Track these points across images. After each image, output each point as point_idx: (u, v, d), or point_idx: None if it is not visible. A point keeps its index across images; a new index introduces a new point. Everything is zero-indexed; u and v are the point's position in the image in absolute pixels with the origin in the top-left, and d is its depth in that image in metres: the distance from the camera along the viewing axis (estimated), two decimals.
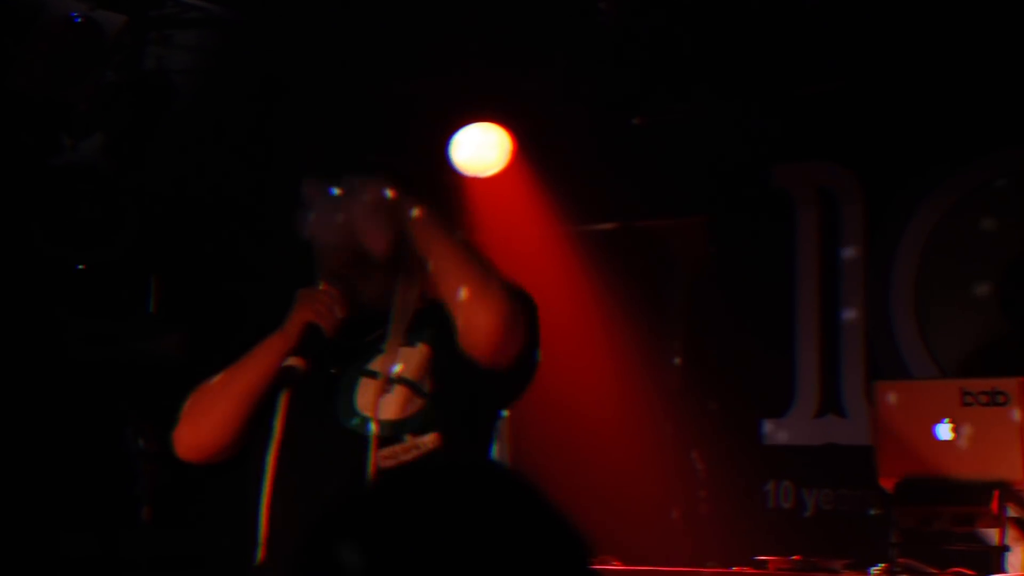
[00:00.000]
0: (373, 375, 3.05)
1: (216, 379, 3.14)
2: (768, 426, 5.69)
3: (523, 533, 1.25)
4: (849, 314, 5.61)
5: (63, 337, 5.13)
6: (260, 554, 3.04)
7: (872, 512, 5.08)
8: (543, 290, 5.87)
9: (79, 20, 5.04)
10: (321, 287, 3.08)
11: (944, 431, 4.62)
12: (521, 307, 3.05)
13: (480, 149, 5.83)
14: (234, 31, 5.47)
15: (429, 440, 3.02)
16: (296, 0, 5.39)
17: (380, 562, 1.22)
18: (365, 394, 3.04)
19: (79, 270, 5.15)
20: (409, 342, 3.07)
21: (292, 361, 3.01)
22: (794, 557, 4.71)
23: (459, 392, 3.03)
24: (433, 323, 3.06)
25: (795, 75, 5.58)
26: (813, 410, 5.62)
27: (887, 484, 4.68)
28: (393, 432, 3.01)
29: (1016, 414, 4.51)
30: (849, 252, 5.64)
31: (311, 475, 3.02)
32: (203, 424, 3.12)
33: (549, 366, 3.67)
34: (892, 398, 4.76)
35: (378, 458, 2.99)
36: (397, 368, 3.05)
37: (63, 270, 5.19)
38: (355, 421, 3.03)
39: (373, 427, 3.00)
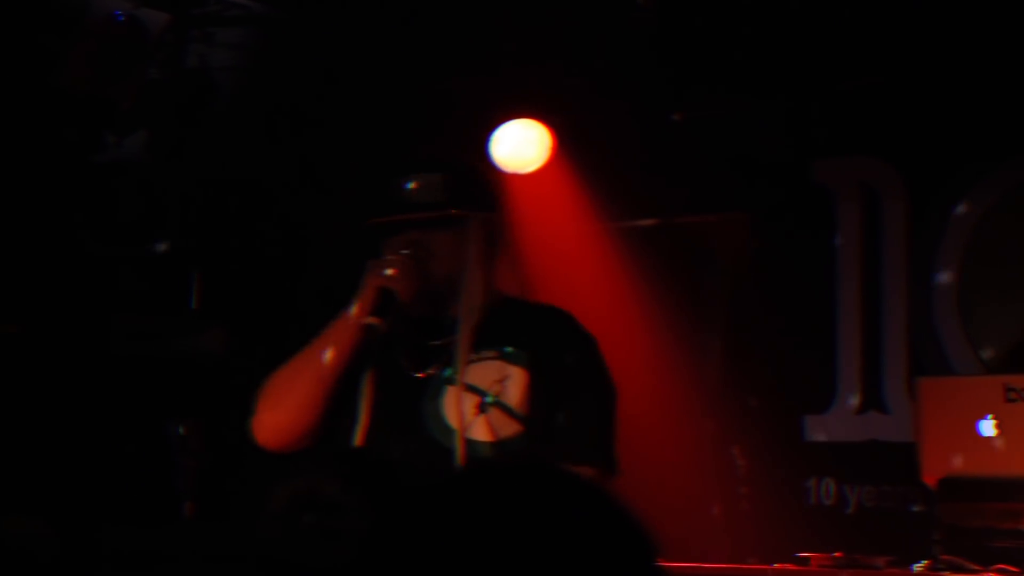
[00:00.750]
0: (465, 387, 3.02)
1: (292, 360, 3.10)
2: (809, 422, 5.67)
3: (590, 533, 1.25)
4: (891, 310, 5.58)
5: (106, 333, 5.16)
6: None
7: (915, 509, 5.06)
8: (583, 286, 5.91)
9: (123, 18, 5.07)
10: (387, 256, 3.05)
11: (988, 427, 4.59)
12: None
13: (520, 145, 5.83)
14: (276, 28, 5.50)
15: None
16: None
17: (452, 558, 1.23)
18: (454, 407, 3.02)
19: (122, 266, 5.19)
20: (499, 355, 3.04)
21: (371, 320, 3.00)
22: (836, 554, 4.69)
23: (555, 424, 3.02)
24: (527, 339, 3.05)
25: (836, 70, 5.56)
26: (855, 407, 5.59)
27: (930, 481, 4.66)
28: (483, 454, 2.99)
29: None
30: (891, 248, 5.61)
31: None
32: (284, 406, 3.07)
33: None
34: (935, 395, 4.74)
35: None
36: (491, 387, 3.02)
37: (106, 266, 5.23)
38: (446, 437, 3.01)
39: (459, 445, 2.98)
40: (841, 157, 5.74)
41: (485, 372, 3.03)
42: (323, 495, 1.96)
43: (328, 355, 3.04)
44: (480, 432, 3.01)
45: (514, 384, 3.02)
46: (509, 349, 3.05)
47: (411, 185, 3.09)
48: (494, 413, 3.01)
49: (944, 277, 5.51)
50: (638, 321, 5.82)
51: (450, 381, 3.03)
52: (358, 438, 3.03)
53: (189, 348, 5.08)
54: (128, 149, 5.22)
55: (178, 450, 4.20)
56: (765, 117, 5.72)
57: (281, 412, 3.08)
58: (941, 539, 4.53)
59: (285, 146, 5.74)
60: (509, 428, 3.02)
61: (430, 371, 3.06)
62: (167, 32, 5.25)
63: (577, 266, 5.95)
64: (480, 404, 3.02)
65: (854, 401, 5.60)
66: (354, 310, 3.04)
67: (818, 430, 5.67)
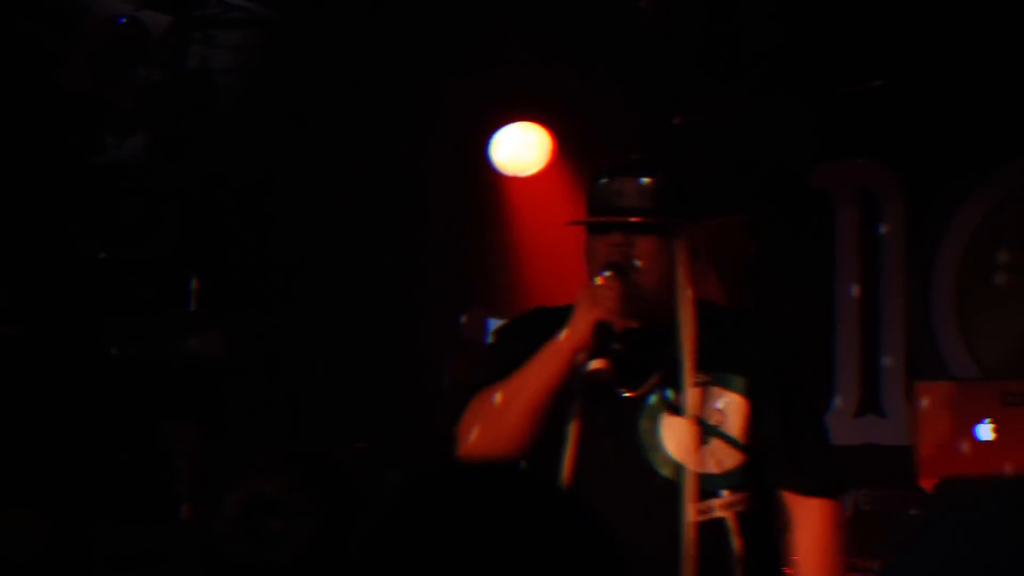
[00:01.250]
0: (680, 413, 2.95)
1: (502, 387, 2.99)
2: None
3: (553, 544, 1.25)
4: (889, 313, 5.58)
5: (103, 335, 5.17)
6: None
7: (912, 512, 5.06)
8: (578, 289, 5.89)
9: (124, 20, 5.08)
10: (599, 281, 2.94)
11: (985, 431, 4.60)
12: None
13: (520, 148, 5.84)
14: (277, 30, 5.51)
15: (746, 497, 2.95)
16: None
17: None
18: (675, 437, 2.95)
19: (121, 268, 5.19)
20: (719, 382, 2.97)
21: (597, 364, 2.90)
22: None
23: (776, 454, 2.96)
24: (743, 362, 2.98)
25: (836, 74, 5.56)
26: (853, 410, 5.60)
27: (927, 484, 4.66)
28: (710, 486, 2.94)
29: None
30: (890, 252, 5.62)
31: (614, 514, 2.84)
32: (491, 434, 2.99)
33: None
34: (932, 398, 4.74)
35: (694, 511, 2.92)
36: (712, 415, 2.96)
37: (105, 268, 5.24)
38: (666, 469, 2.94)
39: (690, 480, 2.92)
40: (840, 161, 5.75)
41: (703, 399, 2.96)
42: (268, 495, 1.97)
43: (540, 386, 2.96)
44: (706, 464, 2.94)
45: (734, 413, 2.97)
46: (724, 374, 2.98)
47: (619, 187, 3.01)
48: (716, 444, 2.96)
49: (942, 281, 5.52)
50: None
51: (671, 407, 2.97)
52: (567, 461, 2.97)
53: (187, 350, 5.09)
54: (128, 151, 5.23)
55: (175, 451, 4.21)
56: (765, 121, 5.73)
57: (488, 439, 3.00)
58: None
59: (286, 148, 5.75)
60: (732, 459, 2.96)
61: (641, 390, 2.98)
62: (168, 34, 5.26)
63: (574, 269, 5.95)
64: (701, 434, 2.96)
65: (852, 404, 5.60)
66: (567, 341, 2.94)
67: None
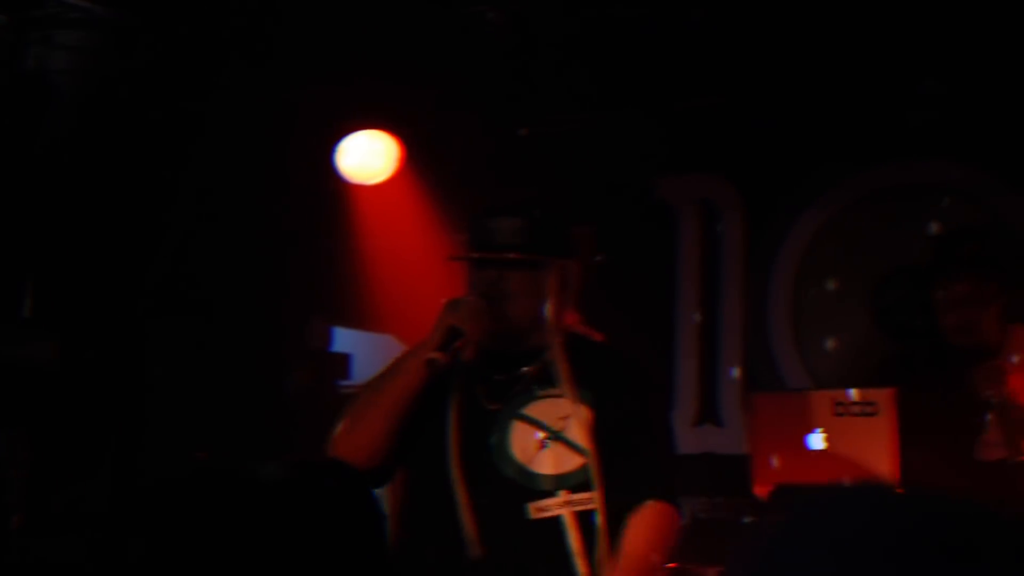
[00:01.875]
0: (530, 422, 3.26)
1: (367, 386, 3.39)
2: None
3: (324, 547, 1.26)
4: (728, 325, 5.68)
5: None
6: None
7: (746, 520, 5.14)
8: (429, 298, 5.90)
9: None
10: (466, 297, 3.29)
11: (817, 441, 4.69)
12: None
13: (367, 156, 5.82)
14: (118, 32, 5.42)
15: (587, 497, 3.21)
16: (183, 3, 5.34)
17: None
18: (520, 441, 3.26)
19: None
20: (568, 395, 3.26)
21: (433, 354, 3.22)
22: (669, 565, 4.75)
23: (617, 460, 3.21)
24: (592, 379, 3.27)
25: (679, 89, 5.65)
26: (692, 419, 5.68)
27: (761, 492, 4.74)
28: (548, 486, 3.22)
29: (887, 424, 4.59)
30: (729, 264, 5.71)
31: (464, 509, 3.22)
32: (357, 430, 3.32)
33: None
34: (767, 409, 4.83)
35: (533, 509, 3.21)
36: (555, 423, 3.24)
37: None
38: (510, 469, 3.24)
39: (528, 480, 3.23)
40: (683, 174, 5.83)
41: (550, 408, 3.26)
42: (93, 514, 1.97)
43: (397, 382, 3.29)
44: (543, 465, 3.23)
45: (578, 421, 3.24)
46: (575, 388, 3.27)
47: (494, 225, 3.32)
48: (557, 448, 3.23)
49: (778, 294, 5.64)
50: None
51: (522, 416, 3.27)
52: (453, 461, 3.25)
53: (18, 357, 4.98)
54: None
55: (5, 461, 4.12)
56: (610, 134, 5.79)
57: (355, 435, 3.32)
58: None
59: (126, 151, 5.66)
60: (571, 462, 3.23)
61: (502, 404, 3.29)
62: (5, 34, 5.14)
63: (420, 277, 5.96)
64: (544, 439, 3.25)
65: (691, 414, 5.68)
66: (420, 344, 3.28)
67: None
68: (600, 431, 3.22)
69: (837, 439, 4.68)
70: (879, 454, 4.59)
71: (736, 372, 5.67)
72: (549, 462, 3.24)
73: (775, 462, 4.73)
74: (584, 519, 3.21)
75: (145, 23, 5.39)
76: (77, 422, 5.12)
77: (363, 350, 6.22)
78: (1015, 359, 4.38)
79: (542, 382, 3.30)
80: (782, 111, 5.55)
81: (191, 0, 5.23)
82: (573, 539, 3.18)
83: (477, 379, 3.34)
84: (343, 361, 6.17)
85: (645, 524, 3.20)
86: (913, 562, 1.02)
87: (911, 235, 5.42)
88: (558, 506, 3.21)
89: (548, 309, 3.31)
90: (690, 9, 5.30)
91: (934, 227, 5.35)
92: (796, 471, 4.69)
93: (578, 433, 3.23)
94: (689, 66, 5.51)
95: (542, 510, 3.21)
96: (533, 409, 3.28)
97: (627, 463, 3.22)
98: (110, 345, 5.42)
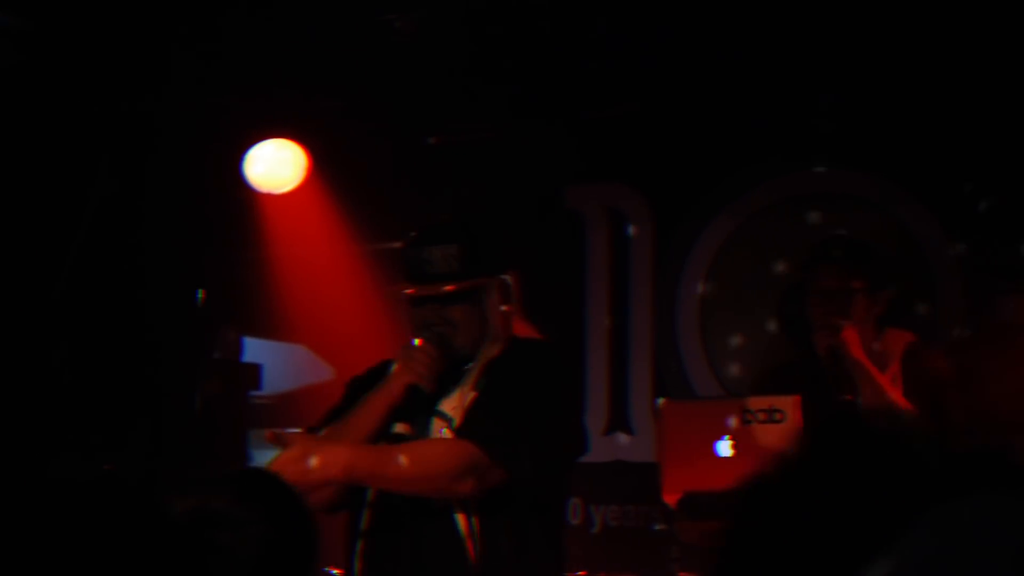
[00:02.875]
0: (440, 416, 3.37)
1: (331, 430, 3.37)
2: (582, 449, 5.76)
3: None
4: (637, 333, 5.72)
5: None
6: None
7: (656, 527, 5.19)
8: (336, 307, 5.89)
9: None
10: (417, 343, 3.34)
11: (724, 448, 4.74)
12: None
13: (275, 165, 5.79)
14: (28, 43, 5.34)
15: None
16: (92, 12, 5.28)
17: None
18: (433, 433, 3.37)
19: None
20: (472, 388, 3.38)
21: (400, 428, 3.32)
22: (581, 573, 4.78)
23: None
24: (496, 369, 3.37)
25: (587, 98, 5.69)
26: (602, 427, 5.72)
27: (670, 500, 4.78)
28: None
29: (792, 430, 4.65)
30: (637, 273, 5.76)
31: (381, 516, 3.35)
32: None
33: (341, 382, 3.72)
34: (676, 416, 4.87)
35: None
36: (454, 411, 3.35)
37: None
38: None
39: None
40: (592, 183, 5.87)
41: (458, 402, 3.35)
42: (213, 510, 1.96)
43: (356, 436, 3.31)
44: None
45: (465, 403, 3.35)
46: (479, 381, 3.37)
47: (428, 255, 3.36)
48: (437, 423, 3.35)
49: (687, 302, 5.69)
50: (390, 343, 5.83)
51: (435, 412, 3.37)
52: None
53: None
54: None
55: None
56: (519, 143, 5.81)
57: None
58: (678, 557, 4.67)
59: (35, 157, 5.58)
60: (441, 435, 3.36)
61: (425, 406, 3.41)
62: None
63: (331, 287, 5.94)
64: (440, 424, 3.36)
65: (601, 422, 5.72)
66: (381, 398, 3.33)
67: None
68: (467, 413, 3.33)
69: (745, 446, 4.73)
70: None
71: (636, 380, 5.72)
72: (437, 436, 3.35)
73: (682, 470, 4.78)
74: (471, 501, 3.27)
75: (53, 27, 5.32)
76: None
77: (274, 360, 6.19)
78: (890, 364, 4.47)
79: (464, 381, 3.39)
80: (690, 120, 5.61)
81: (102, 6, 5.17)
82: (460, 521, 3.25)
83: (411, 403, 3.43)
84: (254, 371, 6.13)
85: (445, 442, 3.32)
86: None
87: (816, 244, 5.49)
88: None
89: (492, 327, 3.38)
90: (597, 18, 5.34)
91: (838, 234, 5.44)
92: (705, 478, 4.74)
93: (457, 412, 3.34)
94: (597, 75, 5.55)
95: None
96: (446, 403, 3.35)
97: (472, 421, 3.32)
98: (17, 351, 5.35)
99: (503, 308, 3.41)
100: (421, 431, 3.36)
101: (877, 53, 5.17)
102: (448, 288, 3.35)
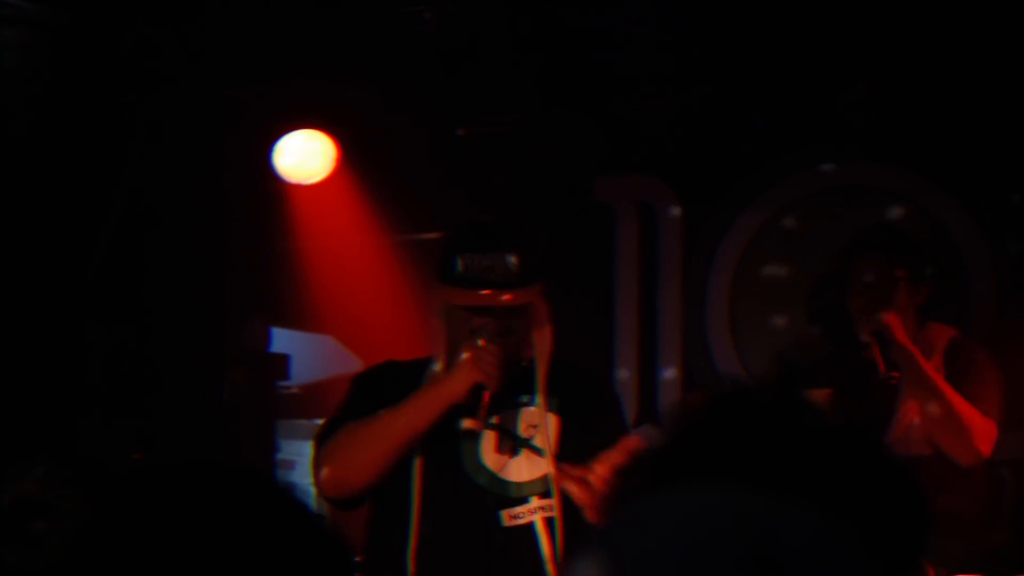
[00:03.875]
0: (501, 431, 3.29)
1: (369, 424, 3.28)
2: None
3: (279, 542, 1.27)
4: (666, 326, 5.71)
5: None
6: None
7: None
8: (367, 299, 5.89)
9: None
10: (481, 344, 3.27)
11: None
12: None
13: (304, 156, 5.79)
14: (51, 30, 5.35)
15: (554, 503, 3.22)
16: (122, 2, 5.30)
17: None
18: (490, 450, 3.28)
19: None
20: (532, 402, 3.32)
21: (470, 424, 3.23)
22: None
23: (583, 460, 3.20)
24: (561, 390, 3.32)
25: (617, 89, 5.67)
26: (631, 420, 5.70)
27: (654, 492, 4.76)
28: (519, 493, 3.25)
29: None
30: (667, 266, 5.75)
31: (446, 525, 3.25)
32: (354, 466, 3.27)
33: None
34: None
35: (506, 516, 3.24)
36: (525, 431, 3.28)
37: None
38: (481, 478, 3.25)
39: (500, 487, 3.25)
40: (621, 175, 5.85)
41: (521, 419, 3.30)
42: (30, 496, 1.94)
43: (410, 429, 3.25)
44: (514, 473, 3.27)
45: (546, 429, 3.28)
46: (545, 399, 3.32)
47: (488, 263, 3.33)
48: (526, 455, 3.27)
49: (716, 295, 5.67)
50: (422, 335, 5.83)
51: (492, 426, 3.30)
52: (416, 484, 3.26)
53: None
54: None
55: None
56: (547, 134, 5.80)
57: (352, 471, 3.28)
58: None
59: (63, 150, 5.59)
60: (540, 469, 3.26)
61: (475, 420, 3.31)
62: None
63: (361, 278, 5.94)
64: (513, 447, 3.28)
65: (630, 415, 5.70)
66: (445, 393, 3.25)
67: None
68: (566, 437, 3.26)
69: None
70: None
71: (665, 372, 5.70)
72: (520, 470, 3.26)
73: None
74: (553, 524, 3.23)
75: (79, 20, 5.33)
76: (12, 421, 5.06)
77: (302, 351, 6.20)
78: (932, 356, 4.41)
79: (516, 393, 3.33)
80: (720, 112, 5.58)
81: None
82: (545, 545, 3.19)
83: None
84: (282, 362, 6.14)
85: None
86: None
87: (848, 236, 5.47)
88: (530, 512, 3.22)
89: (543, 333, 3.38)
90: (626, 9, 5.32)
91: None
92: None
93: (545, 439, 3.26)
94: (627, 67, 5.53)
95: (515, 517, 3.22)
96: (505, 419, 3.30)
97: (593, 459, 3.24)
98: (47, 344, 5.37)
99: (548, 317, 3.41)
100: (471, 443, 3.30)
101: (910, 44, 5.14)
102: (508, 297, 3.33)
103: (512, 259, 3.32)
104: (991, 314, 5.18)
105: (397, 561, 3.27)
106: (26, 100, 5.47)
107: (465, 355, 3.27)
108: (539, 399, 3.30)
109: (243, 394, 5.99)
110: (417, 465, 3.27)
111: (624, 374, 5.74)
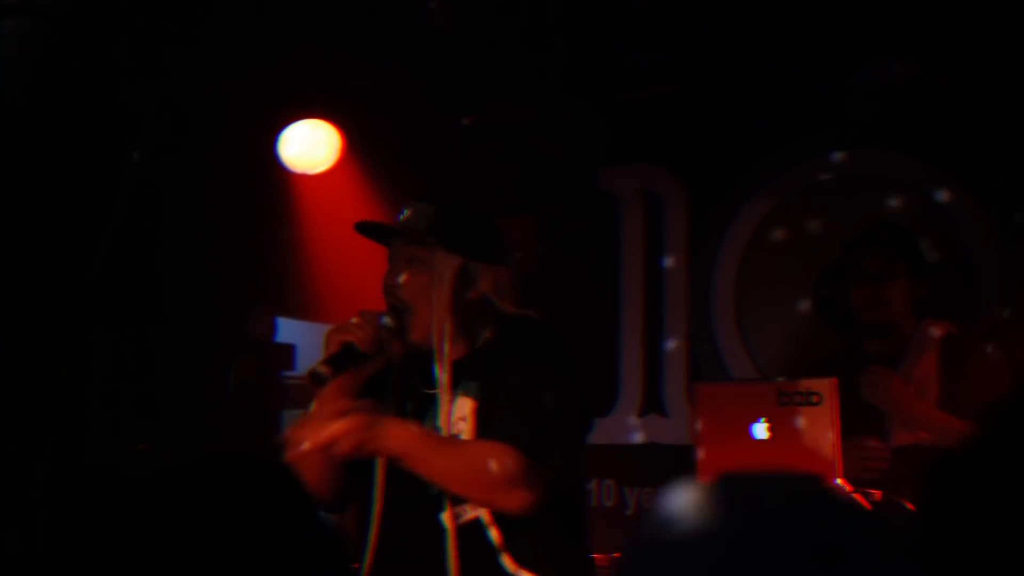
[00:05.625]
0: (435, 428, 3.18)
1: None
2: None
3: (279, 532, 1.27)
4: (672, 316, 5.71)
5: None
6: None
7: None
8: (369, 288, 5.88)
9: None
10: (354, 320, 3.21)
11: (760, 430, 4.72)
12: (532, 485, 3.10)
13: (309, 146, 5.79)
14: (54, 21, 5.35)
15: None
16: None
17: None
18: None
19: None
20: (466, 392, 3.18)
21: (320, 367, 3.10)
22: (616, 555, 4.77)
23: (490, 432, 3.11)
24: (478, 373, 3.17)
25: (622, 79, 5.66)
26: (636, 409, 5.71)
27: (709, 480, 4.77)
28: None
29: (829, 413, 4.63)
30: (672, 254, 5.74)
31: (399, 532, 3.18)
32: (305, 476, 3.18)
33: None
34: (711, 398, 4.86)
35: (454, 515, 3.14)
36: (454, 426, 3.17)
37: None
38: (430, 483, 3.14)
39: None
40: (625, 165, 5.85)
41: (450, 412, 3.18)
42: None
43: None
44: None
45: (469, 418, 3.16)
46: (466, 384, 3.18)
47: (407, 211, 3.31)
48: None
49: (721, 284, 5.67)
50: None
51: (428, 423, 3.18)
52: (378, 486, 3.19)
53: None
54: None
55: None
56: (552, 124, 5.79)
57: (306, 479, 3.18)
58: None
59: (65, 141, 5.59)
60: None
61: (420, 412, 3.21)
62: None
63: (364, 267, 5.94)
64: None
65: (636, 404, 5.71)
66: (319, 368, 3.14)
67: (600, 433, 5.76)
68: (484, 420, 3.15)
69: (780, 428, 4.72)
70: (822, 443, 4.63)
71: (670, 361, 5.70)
72: None
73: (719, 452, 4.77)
74: (500, 514, 3.13)
75: (81, 9, 5.33)
76: (17, 413, 5.06)
77: (307, 340, 6.20)
78: (913, 355, 4.46)
79: (453, 387, 3.21)
80: (725, 101, 5.58)
81: None
82: (494, 535, 3.12)
83: (401, 388, 3.26)
84: (287, 352, 6.14)
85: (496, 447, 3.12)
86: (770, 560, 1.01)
87: (853, 226, 5.47)
88: (474, 507, 3.14)
89: (440, 309, 3.19)
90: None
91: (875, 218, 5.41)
92: (740, 460, 4.72)
93: (468, 430, 3.16)
94: (631, 56, 5.52)
95: (460, 515, 3.14)
96: (441, 413, 3.20)
97: (497, 420, 3.15)
98: (51, 335, 5.37)
99: (460, 290, 3.22)
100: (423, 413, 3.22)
101: (915, 33, 5.13)
102: (400, 233, 3.28)
103: (423, 207, 3.28)
104: (996, 304, 5.18)
105: (363, 561, 3.21)
106: (28, 90, 5.47)
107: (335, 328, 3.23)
108: (442, 380, 3.18)
109: (249, 384, 5.99)
110: (380, 464, 3.19)
111: (629, 362, 5.73)
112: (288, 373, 6.14)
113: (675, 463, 5.26)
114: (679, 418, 5.53)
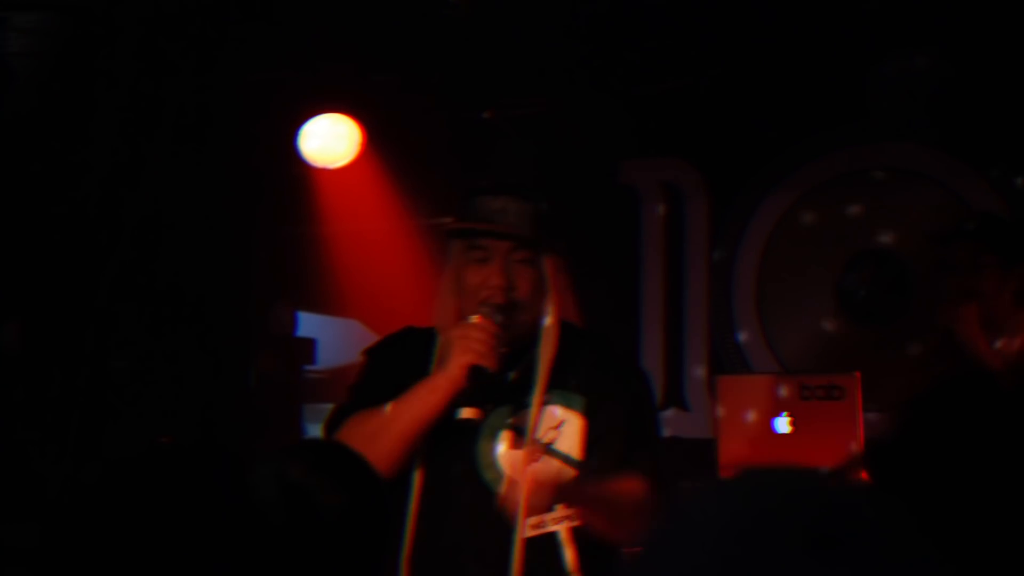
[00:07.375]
0: (519, 433, 2.99)
1: (375, 416, 2.98)
2: None
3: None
4: (692, 309, 5.69)
5: None
6: None
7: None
8: (391, 282, 5.88)
9: None
10: (475, 320, 2.95)
11: (783, 424, 4.71)
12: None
13: (329, 140, 5.79)
14: (73, 14, 5.36)
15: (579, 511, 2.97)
16: None
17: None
18: (510, 455, 2.99)
19: None
20: (558, 401, 3.02)
21: (468, 413, 2.92)
22: (637, 548, 4.75)
23: (611, 466, 2.97)
24: (583, 384, 3.01)
25: (643, 72, 5.65)
26: (658, 403, 5.68)
27: (728, 476, 4.75)
28: (543, 501, 2.97)
29: (851, 407, 4.61)
30: (693, 249, 5.72)
31: (453, 524, 2.99)
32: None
33: None
34: (733, 392, 4.84)
35: (527, 527, 2.96)
36: (546, 433, 3.00)
37: None
38: (497, 480, 2.97)
39: (521, 494, 2.95)
40: (647, 158, 5.83)
41: (540, 418, 3.00)
42: (292, 477, 1.92)
43: (413, 422, 2.96)
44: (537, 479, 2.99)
45: (570, 431, 3.01)
46: (564, 393, 3.02)
47: (499, 205, 3.02)
48: (549, 460, 3.00)
49: (743, 278, 5.65)
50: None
51: (509, 426, 3.00)
52: (416, 484, 3.00)
53: None
54: None
55: None
56: (573, 117, 5.78)
57: None
58: None
59: (87, 134, 5.60)
60: (565, 475, 2.99)
61: (484, 412, 2.99)
62: None
63: (386, 262, 5.94)
64: (536, 452, 2.99)
65: (656, 398, 5.69)
66: (443, 383, 2.94)
67: None
68: (593, 440, 3.00)
69: (803, 423, 4.70)
70: (844, 438, 4.61)
71: (692, 355, 5.68)
72: (544, 476, 2.99)
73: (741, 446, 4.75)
74: (579, 533, 2.97)
75: (103, 6, 5.34)
76: (39, 406, 5.08)
77: (328, 335, 6.20)
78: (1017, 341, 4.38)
79: (528, 387, 3.03)
80: (746, 94, 5.55)
81: None
82: (568, 556, 2.99)
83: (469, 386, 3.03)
84: (308, 346, 6.14)
85: (634, 483, 2.95)
86: (770, 549, 1.01)
87: (875, 218, 5.44)
88: (554, 522, 2.99)
89: (549, 311, 3.03)
90: None
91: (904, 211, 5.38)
92: (762, 455, 4.71)
93: (571, 443, 3.01)
94: (651, 50, 5.51)
95: (537, 526, 2.98)
96: (522, 418, 3.02)
97: (625, 467, 3.00)
98: (73, 328, 5.38)
99: (561, 284, 3.06)
100: (487, 442, 3.00)
101: (933, 25, 5.10)
102: (514, 234, 2.99)
103: (526, 205, 3.02)
104: None
105: (391, 567, 2.99)
106: (49, 83, 5.48)
107: (455, 334, 2.96)
108: (536, 395, 3.00)
109: (270, 378, 5.99)
110: (419, 462, 3.00)
111: (650, 355, 5.72)
112: (309, 367, 6.14)
113: (697, 457, 5.24)
114: (700, 412, 5.52)
